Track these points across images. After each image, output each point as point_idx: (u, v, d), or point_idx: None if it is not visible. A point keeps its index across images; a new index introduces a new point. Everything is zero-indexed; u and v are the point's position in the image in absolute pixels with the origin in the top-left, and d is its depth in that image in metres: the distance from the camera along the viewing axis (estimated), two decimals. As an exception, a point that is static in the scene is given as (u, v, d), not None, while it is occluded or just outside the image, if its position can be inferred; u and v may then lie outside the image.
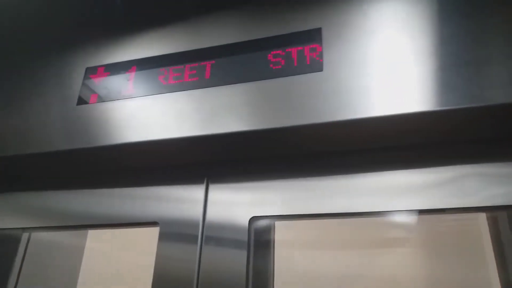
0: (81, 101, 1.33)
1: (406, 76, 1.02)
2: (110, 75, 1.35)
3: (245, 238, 1.14)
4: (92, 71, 1.38)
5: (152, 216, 1.27)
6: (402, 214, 1.09)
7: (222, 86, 1.18)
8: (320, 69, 1.10)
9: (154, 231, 1.25)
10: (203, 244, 1.17)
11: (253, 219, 1.17)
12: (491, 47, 0.98)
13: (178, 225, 1.22)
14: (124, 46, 1.39)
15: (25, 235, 1.49)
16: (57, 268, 1.71)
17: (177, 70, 1.26)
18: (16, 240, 1.46)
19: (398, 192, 1.08)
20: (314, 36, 1.15)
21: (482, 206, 1.01)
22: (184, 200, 1.26)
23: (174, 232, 1.22)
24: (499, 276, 1.19)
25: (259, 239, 1.18)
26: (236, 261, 1.12)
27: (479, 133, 1.05)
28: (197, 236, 1.18)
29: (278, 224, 1.31)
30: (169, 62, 1.29)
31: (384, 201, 1.08)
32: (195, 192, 1.26)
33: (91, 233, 2.08)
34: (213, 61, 1.23)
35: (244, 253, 1.12)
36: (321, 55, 1.11)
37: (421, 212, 1.07)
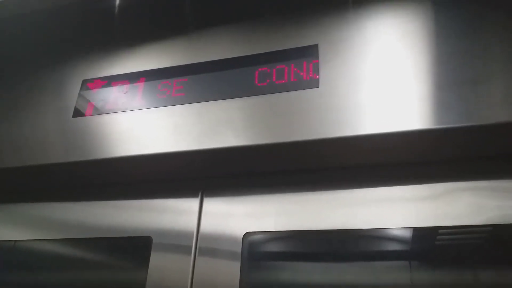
0: (77, 113, 1.33)
1: (403, 94, 1.02)
2: (106, 87, 1.35)
3: (239, 252, 1.13)
4: (88, 84, 1.38)
5: (146, 229, 1.26)
6: (399, 230, 1.09)
7: (218, 101, 1.18)
8: (316, 85, 1.10)
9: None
10: (196, 257, 1.16)
11: (247, 235, 1.16)
12: (488, 66, 0.98)
13: (172, 238, 1.21)
14: (120, 59, 1.39)
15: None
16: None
17: (170, 85, 1.26)
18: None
19: (394, 208, 1.07)
20: (310, 52, 1.15)
21: (477, 224, 1.00)
22: (179, 213, 1.25)
23: (168, 244, 1.21)
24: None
25: (253, 252, 1.17)
26: (229, 274, 1.11)
27: (475, 151, 1.05)
28: (190, 248, 1.17)
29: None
30: (167, 75, 1.29)
31: (381, 217, 1.07)
32: (189, 205, 1.25)
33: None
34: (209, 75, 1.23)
35: (238, 265, 1.11)
36: (317, 72, 1.11)
37: (417, 229, 1.06)
